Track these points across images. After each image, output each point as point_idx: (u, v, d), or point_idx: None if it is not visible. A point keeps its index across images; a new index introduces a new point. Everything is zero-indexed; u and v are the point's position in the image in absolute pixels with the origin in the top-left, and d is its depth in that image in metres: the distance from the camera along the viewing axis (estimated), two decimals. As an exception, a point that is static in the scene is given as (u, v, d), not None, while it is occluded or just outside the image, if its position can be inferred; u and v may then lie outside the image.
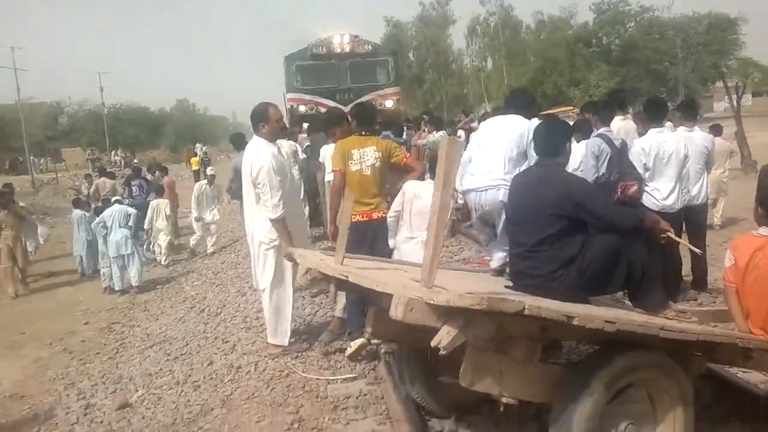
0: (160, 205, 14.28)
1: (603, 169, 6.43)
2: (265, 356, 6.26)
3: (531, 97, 5.93)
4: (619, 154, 6.45)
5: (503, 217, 4.94)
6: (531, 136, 4.83)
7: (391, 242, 6.10)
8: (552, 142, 4.33)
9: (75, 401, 6.39)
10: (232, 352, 6.70)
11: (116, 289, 11.81)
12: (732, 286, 3.94)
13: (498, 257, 5.25)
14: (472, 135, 5.73)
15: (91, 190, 18.03)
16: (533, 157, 4.83)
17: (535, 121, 5.18)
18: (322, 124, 7.31)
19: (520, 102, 5.61)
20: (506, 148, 5.08)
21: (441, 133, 10.65)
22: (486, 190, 5.07)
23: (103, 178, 18.63)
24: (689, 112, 7.36)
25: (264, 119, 6.08)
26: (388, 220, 6.07)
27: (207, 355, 6.80)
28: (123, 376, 6.91)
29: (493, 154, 5.13)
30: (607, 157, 6.42)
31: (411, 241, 5.90)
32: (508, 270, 5.04)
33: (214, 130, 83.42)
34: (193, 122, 75.46)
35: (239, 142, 9.81)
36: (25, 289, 12.76)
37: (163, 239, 14.11)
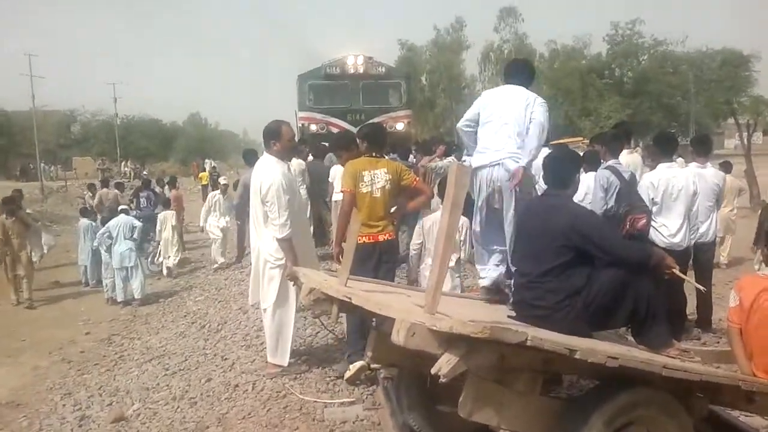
0: (167, 216, 14.45)
1: (611, 202, 6.38)
2: (264, 376, 6.22)
3: (531, 67, 5.69)
4: (628, 186, 6.42)
5: (512, 205, 4.89)
6: (534, 108, 4.87)
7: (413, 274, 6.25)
8: (561, 173, 4.31)
9: (71, 412, 6.36)
10: (230, 370, 6.66)
11: (118, 300, 11.82)
12: (736, 327, 3.90)
13: (490, 276, 5.18)
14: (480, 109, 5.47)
15: (95, 201, 18.09)
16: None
17: (539, 100, 5.11)
18: (334, 144, 7.31)
19: (520, 72, 5.43)
20: (515, 123, 4.96)
21: (451, 158, 10.64)
22: (499, 163, 4.92)
23: (105, 189, 18.80)
24: (702, 148, 7.35)
25: (276, 137, 6.09)
26: (411, 253, 6.23)
27: (205, 372, 6.76)
28: (120, 388, 6.88)
29: (503, 129, 5.01)
30: (616, 190, 6.38)
31: None
32: (508, 293, 5.01)
33: (224, 146, 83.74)
34: (203, 136, 75.77)
35: (251, 159, 9.81)
36: (29, 298, 12.26)
37: (173, 254, 14.21)
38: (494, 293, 5.15)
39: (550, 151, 5.35)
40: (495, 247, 5.25)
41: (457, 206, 3.20)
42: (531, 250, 4.09)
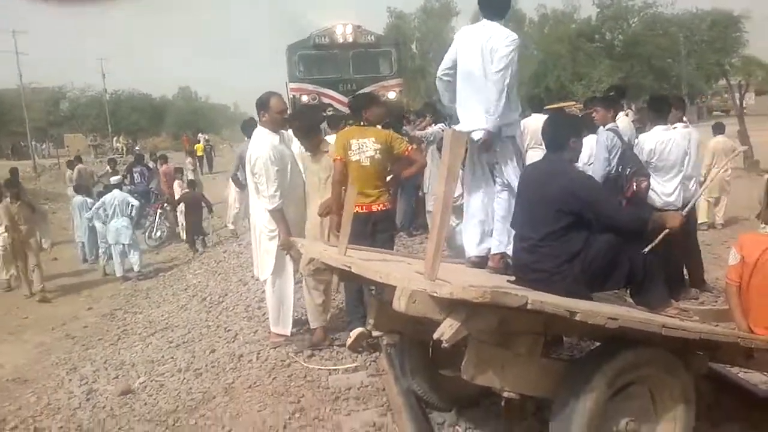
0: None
1: (614, 163, 6.40)
2: (267, 345, 6.29)
3: None
4: (629, 148, 6.44)
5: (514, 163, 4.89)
6: (498, 52, 4.74)
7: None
8: (555, 136, 4.30)
9: (77, 386, 6.42)
10: (234, 341, 6.73)
11: (117, 275, 11.97)
12: (735, 284, 3.95)
13: (480, 248, 5.16)
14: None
15: (74, 176, 18.41)
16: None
17: (512, 36, 4.90)
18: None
19: (493, 3, 5.05)
20: (481, 75, 4.81)
21: (440, 124, 10.58)
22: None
23: (81, 165, 19.57)
24: (660, 110, 7.18)
25: (264, 108, 6.09)
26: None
27: (209, 343, 6.83)
28: (125, 362, 6.94)
29: (468, 85, 4.92)
30: (618, 152, 6.40)
31: None
32: (490, 264, 5.04)
33: (216, 119, 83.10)
34: (194, 110, 75.11)
35: (249, 130, 9.59)
36: (42, 290, 11.08)
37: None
38: (481, 265, 5.15)
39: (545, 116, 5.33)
40: (478, 219, 5.23)
41: (453, 173, 3.21)
42: (530, 215, 4.12)
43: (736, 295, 3.95)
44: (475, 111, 4.88)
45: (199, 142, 36.83)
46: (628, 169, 6.27)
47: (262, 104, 6.11)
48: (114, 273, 12.13)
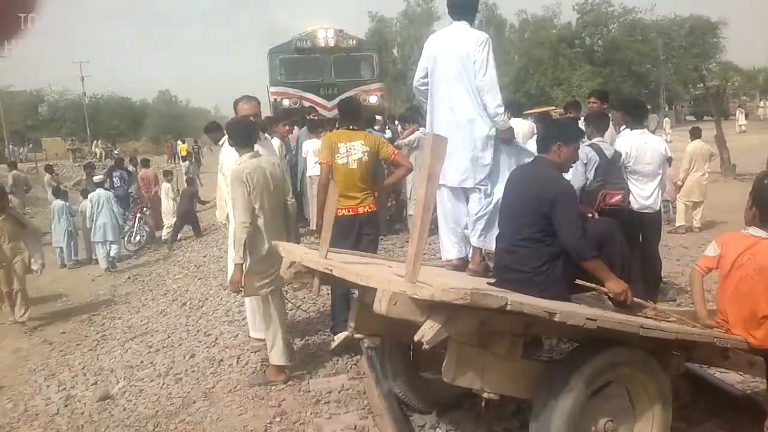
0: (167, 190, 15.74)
1: (590, 176, 6.46)
2: (248, 350, 6.27)
3: None
4: (608, 163, 6.47)
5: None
6: (476, 57, 4.79)
7: None
8: (543, 140, 4.39)
9: (55, 392, 6.37)
10: (214, 345, 6.70)
11: (103, 267, 12.95)
12: (701, 272, 4.03)
13: (460, 250, 5.19)
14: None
15: (9, 182, 18.47)
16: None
17: (482, 37, 4.96)
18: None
19: (458, 4, 5.09)
20: (466, 79, 4.90)
21: (420, 130, 10.62)
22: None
23: (15, 171, 20.28)
24: (637, 114, 7.22)
25: (234, 112, 6.09)
26: None
27: (189, 348, 6.80)
28: (104, 367, 6.89)
29: (456, 89, 4.98)
30: (595, 165, 6.45)
31: None
32: (471, 266, 5.07)
33: (195, 123, 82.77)
34: (174, 114, 74.78)
35: (214, 134, 8.51)
36: (24, 319, 9.33)
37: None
38: (460, 268, 5.19)
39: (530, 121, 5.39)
40: (456, 225, 5.27)
41: (434, 177, 3.22)
42: (513, 216, 4.15)
43: (700, 281, 4.06)
44: (465, 110, 4.93)
45: (183, 142, 36.54)
46: (596, 182, 6.32)
47: (234, 108, 6.10)
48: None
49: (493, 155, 5.22)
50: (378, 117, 13.35)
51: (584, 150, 6.57)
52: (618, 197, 6.20)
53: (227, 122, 5.96)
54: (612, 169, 6.42)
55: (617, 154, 6.60)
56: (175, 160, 22.65)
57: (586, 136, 6.91)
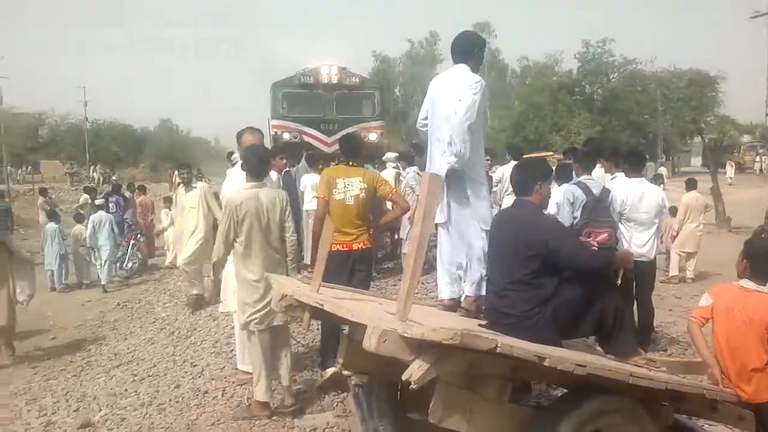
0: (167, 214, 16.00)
1: (577, 214, 6.47)
2: (233, 382, 6.19)
3: (471, 40, 5.19)
4: (595, 201, 6.48)
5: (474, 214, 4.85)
6: (462, 96, 4.70)
7: None
8: (522, 180, 4.36)
9: (36, 418, 6.28)
10: (200, 377, 6.62)
11: (103, 283, 13.49)
12: (697, 322, 4.03)
13: (452, 291, 5.15)
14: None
15: None
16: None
17: (475, 80, 4.84)
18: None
19: (458, 50, 5.07)
20: (448, 126, 4.81)
21: (414, 168, 10.66)
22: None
23: None
24: (635, 161, 7.24)
25: (238, 143, 6.12)
26: None
27: (174, 378, 6.71)
28: (87, 394, 6.79)
29: (436, 133, 4.96)
30: (582, 204, 6.47)
31: None
32: (463, 305, 5.02)
33: (194, 153, 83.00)
34: (174, 143, 74.92)
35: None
36: (9, 356, 8.59)
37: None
38: (452, 309, 5.14)
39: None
40: (451, 266, 5.24)
41: (430, 216, 3.23)
42: (501, 259, 4.13)
43: (699, 329, 4.05)
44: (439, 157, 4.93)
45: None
46: (582, 220, 6.31)
47: (237, 139, 6.12)
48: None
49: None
50: (394, 154, 13.15)
51: (571, 189, 6.59)
52: (604, 235, 6.19)
53: (246, 148, 5.93)
54: (599, 207, 6.43)
55: (605, 191, 6.61)
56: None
57: (574, 174, 6.96)
